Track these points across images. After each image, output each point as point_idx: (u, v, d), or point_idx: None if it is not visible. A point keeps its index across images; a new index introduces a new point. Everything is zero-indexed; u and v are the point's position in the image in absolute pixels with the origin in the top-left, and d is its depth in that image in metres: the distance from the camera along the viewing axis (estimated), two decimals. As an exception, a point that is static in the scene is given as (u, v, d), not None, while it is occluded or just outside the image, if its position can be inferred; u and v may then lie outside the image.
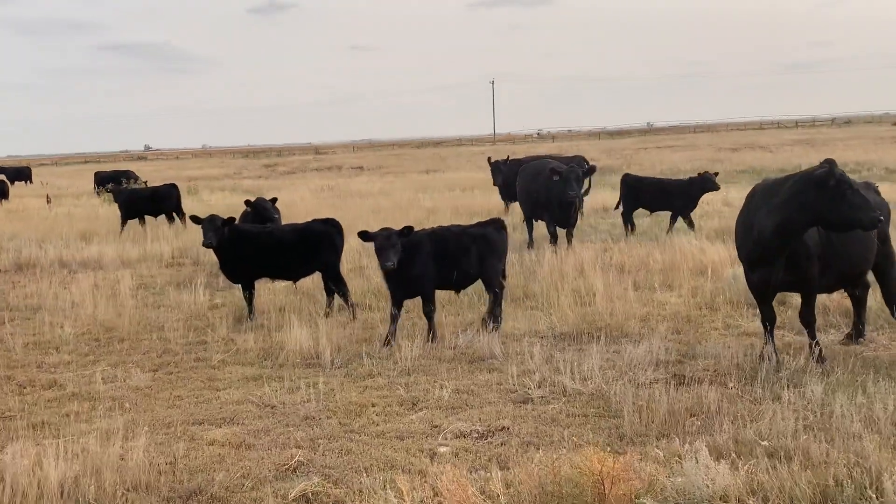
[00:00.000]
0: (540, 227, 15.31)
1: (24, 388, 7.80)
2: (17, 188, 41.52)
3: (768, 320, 7.57)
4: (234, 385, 7.64)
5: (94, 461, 5.45)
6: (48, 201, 29.85)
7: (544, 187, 13.94)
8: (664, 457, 5.37)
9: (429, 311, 8.78)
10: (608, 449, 5.37)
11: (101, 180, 35.68)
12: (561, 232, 14.24)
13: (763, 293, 7.55)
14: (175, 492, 5.24)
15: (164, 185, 21.23)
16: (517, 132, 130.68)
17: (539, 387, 7.04)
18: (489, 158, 20.36)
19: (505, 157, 20.30)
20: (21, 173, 49.92)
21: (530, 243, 14.87)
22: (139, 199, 20.13)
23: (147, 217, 19.77)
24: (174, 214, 19.68)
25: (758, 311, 7.94)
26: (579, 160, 20.22)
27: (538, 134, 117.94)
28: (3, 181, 34.69)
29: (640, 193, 16.00)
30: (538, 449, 5.63)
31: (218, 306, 11.11)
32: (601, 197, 21.18)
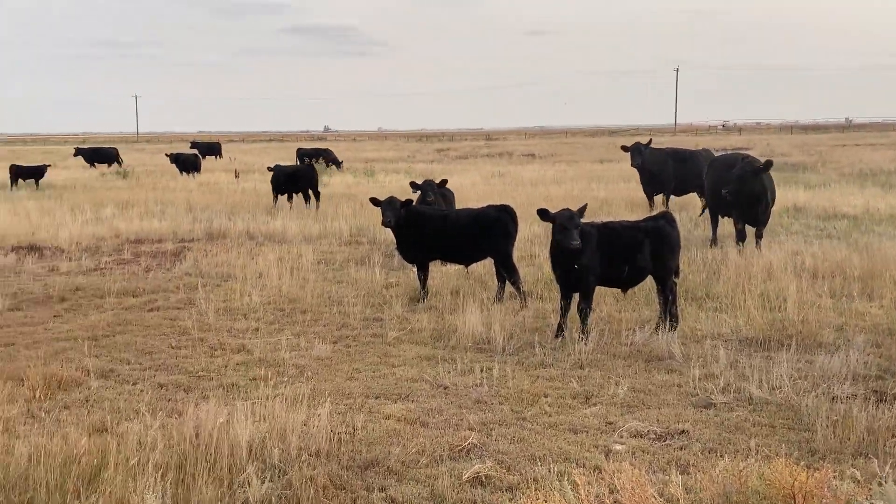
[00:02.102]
0: (725, 224, 14.71)
1: (216, 350, 8.42)
2: (208, 162, 44.65)
3: None
4: (409, 363, 7.88)
5: (279, 425, 5.79)
6: (236, 176, 32.00)
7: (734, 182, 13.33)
8: (862, 477, 5.03)
9: (584, 308, 8.50)
10: (800, 463, 5.09)
11: (303, 156, 38.17)
12: (749, 231, 13.61)
13: None
14: (354, 461, 5.49)
15: (304, 165, 22.67)
16: (700, 123, 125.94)
17: (723, 392, 6.79)
18: (623, 146, 19.67)
19: (647, 140, 19.56)
20: (212, 148, 53.65)
21: (714, 241, 14.32)
22: (282, 175, 21.41)
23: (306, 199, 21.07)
24: (311, 194, 20.92)
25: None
26: (706, 152, 19.33)
27: (723, 126, 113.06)
28: (195, 155, 37.49)
29: None
30: (721, 456, 5.44)
31: (393, 285, 11.48)
32: (792, 195, 20.04)
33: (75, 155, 44.91)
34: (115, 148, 47.78)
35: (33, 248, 14.99)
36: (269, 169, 22.50)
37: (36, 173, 29.55)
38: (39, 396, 6.84)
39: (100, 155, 44.83)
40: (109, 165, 42.67)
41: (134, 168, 37.09)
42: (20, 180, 29.22)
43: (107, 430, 5.99)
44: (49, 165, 31.56)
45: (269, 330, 9.21)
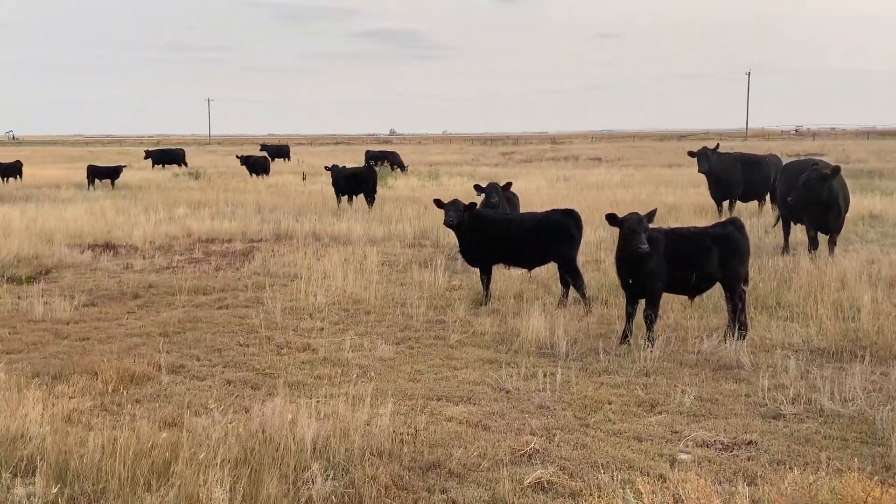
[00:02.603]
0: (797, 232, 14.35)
1: (282, 348, 8.56)
2: (276, 164, 45.48)
3: None
4: (471, 366, 7.89)
5: (343, 423, 5.86)
6: (303, 178, 32.55)
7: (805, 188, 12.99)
8: (940, 497, 4.84)
9: (650, 315, 8.35)
10: (874, 478, 4.93)
11: (370, 159, 38.80)
12: (823, 239, 13.24)
13: None
14: (416, 462, 5.52)
15: (363, 167, 23.02)
16: (772, 127, 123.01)
17: (792, 403, 6.62)
18: (689, 151, 19.28)
19: (714, 145, 19.14)
20: (281, 151, 54.68)
21: (785, 248, 13.96)
22: (341, 177, 21.71)
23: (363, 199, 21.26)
24: (371, 196, 21.18)
25: None
26: (774, 158, 18.84)
27: (796, 131, 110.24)
28: (265, 157, 38.23)
29: None
30: (790, 469, 5.30)
31: (456, 288, 11.51)
32: (868, 203, 19.41)
33: (146, 157, 46.29)
34: (181, 149, 49.07)
35: (109, 246, 15.47)
36: (327, 168, 22.82)
37: (112, 174, 30.52)
38: (112, 390, 7.05)
39: (168, 156, 46.09)
40: (180, 166, 43.82)
41: (206, 169, 38.03)
42: (97, 180, 30.22)
43: (177, 424, 6.15)
44: (124, 166, 32.57)
45: (333, 330, 9.33)
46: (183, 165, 44.19)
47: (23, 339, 8.96)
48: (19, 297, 11.04)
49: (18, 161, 33.75)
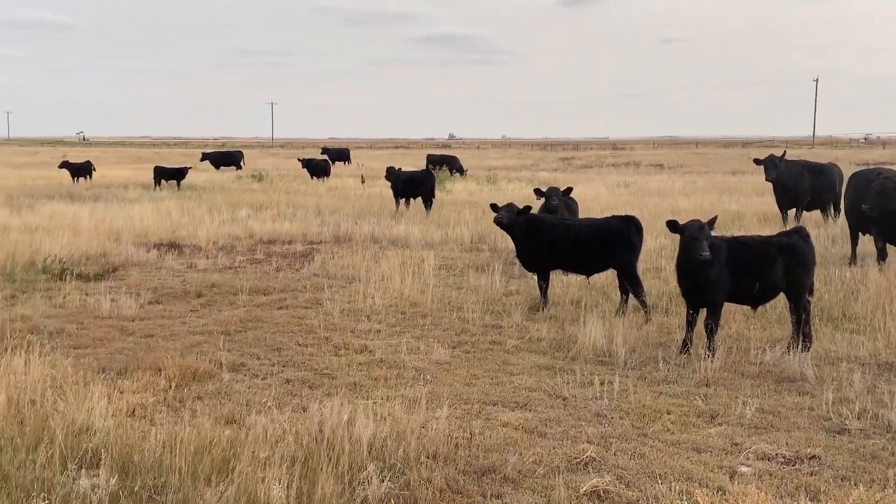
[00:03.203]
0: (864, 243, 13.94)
1: (340, 350, 8.65)
2: (336, 168, 46.03)
3: None
4: (527, 371, 7.86)
5: (399, 426, 5.90)
6: (362, 181, 32.84)
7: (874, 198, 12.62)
8: None
9: (710, 325, 8.19)
10: (945, 500, 4.76)
11: (431, 162, 39.06)
12: (892, 250, 12.85)
13: None
14: (471, 466, 5.51)
15: (422, 170, 23.13)
16: (840, 136, 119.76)
17: (858, 418, 6.42)
18: (755, 159, 18.85)
19: (781, 153, 18.65)
20: (341, 154, 55.29)
21: (853, 259, 13.57)
22: (399, 181, 21.86)
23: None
24: (429, 199, 21.16)
25: None
26: (836, 167, 18.33)
27: (865, 139, 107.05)
28: (326, 161, 38.68)
29: None
30: (856, 485, 5.15)
31: (513, 293, 11.48)
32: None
33: (202, 159, 45.83)
34: (239, 151, 49.82)
35: (173, 246, 15.84)
36: (388, 171, 22.98)
37: (178, 175, 31.21)
38: (175, 387, 7.22)
39: (226, 158, 46.71)
40: (237, 168, 44.54)
41: (268, 172, 38.61)
42: (163, 181, 30.95)
43: (236, 421, 6.27)
44: (190, 167, 33.26)
45: (390, 332, 9.39)
46: (240, 168, 44.82)
47: (90, 335, 9.23)
48: (87, 294, 11.36)
49: (89, 161, 34.78)
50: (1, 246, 14.03)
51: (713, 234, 8.19)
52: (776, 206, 18.48)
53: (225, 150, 56.85)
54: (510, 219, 10.57)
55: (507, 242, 14.68)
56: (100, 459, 5.26)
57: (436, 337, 9.12)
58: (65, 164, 34.14)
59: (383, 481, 5.11)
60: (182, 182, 30.92)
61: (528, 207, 10.79)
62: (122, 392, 7.02)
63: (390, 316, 10.16)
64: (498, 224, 10.73)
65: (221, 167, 45.36)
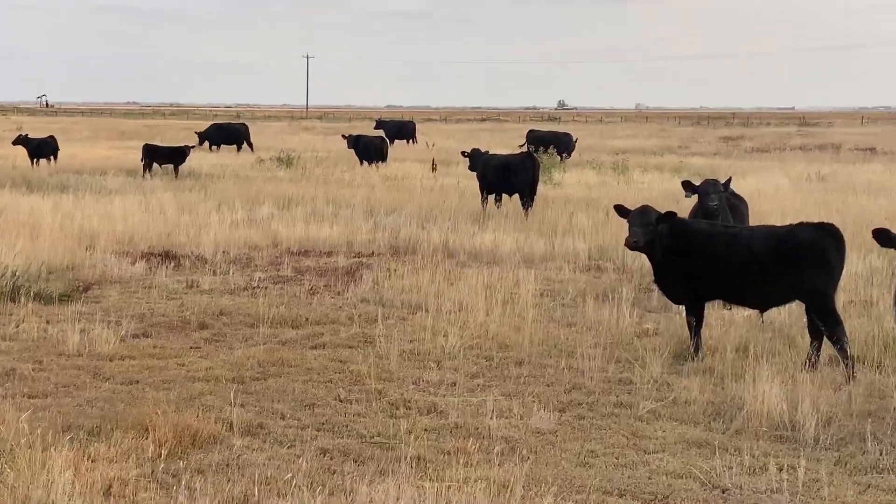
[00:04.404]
0: None
1: (398, 409, 8.73)
2: (396, 148, 46.51)
3: None
4: (670, 449, 7.80)
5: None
6: (433, 169, 33.02)
7: None
8: None
9: None
10: None
11: (533, 141, 38.75)
12: None
13: None
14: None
15: (519, 154, 22.84)
16: None
17: None
18: None
19: None
20: (403, 129, 55.93)
21: None
22: (488, 168, 21.92)
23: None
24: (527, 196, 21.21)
25: None
26: None
27: None
28: (381, 138, 39.23)
29: None
30: None
31: (649, 333, 11.41)
32: None
33: (200, 143, 45.71)
34: (244, 124, 50.54)
35: (168, 256, 16.23)
36: (465, 155, 23.02)
37: (175, 156, 31.79)
38: (167, 454, 7.34)
39: (224, 133, 47.20)
40: (239, 149, 45.13)
41: (300, 153, 39.07)
42: (155, 165, 31.56)
43: (251, 506, 6.35)
44: (192, 146, 33.94)
45: (469, 385, 9.42)
46: (241, 147, 45.25)
47: (51, 379, 9.48)
48: (48, 322, 11.69)
49: (52, 137, 35.70)
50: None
51: None
52: None
53: (224, 122, 56.83)
54: (650, 237, 10.43)
55: (641, 259, 14.56)
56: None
57: (536, 394, 9.10)
58: (20, 140, 35.16)
59: None
60: (181, 167, 31.53)
61: (672, 213, 10.66)
62: (93, 460, 7.18)
63: (470, 362, 10.19)
64: (633, 249, 10.62)
65: (219, 146, 46.00)
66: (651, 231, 10.46)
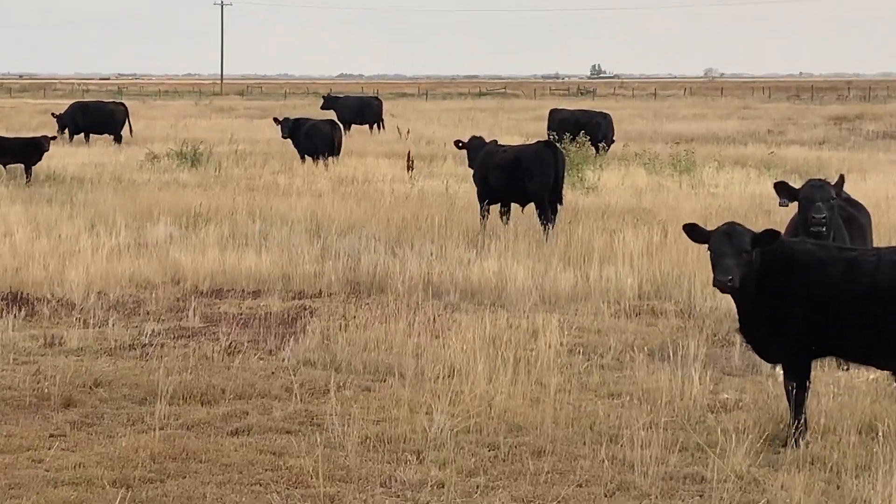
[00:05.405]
0: None
1: (361, 523, 8.69)
2: (355, 136, 46.55)
3: None
4: (763, 582, 7.79)
5: None
6: (409, 167, 33.00)
7: None
8: None
9: None
10: None
11: (556, 126, 38.60)
12: None
13: None
14: None
15: (535, 145, 22.61)
16: None
17: None
18: None
19: None
20: (364, 110, 55.82)
21: None
22: (490, 165, 22.08)
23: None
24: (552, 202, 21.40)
25: None
26: None
27: None
28: (331, 124, 39.08)
29: None
30: None
31: (729, 407, 11.45)
32: None
33: (60, 131, 46.08)
34: (122, 104, 50.53)
35: (17, 300, 16.17)
36: (459, 146, 23.03)
37: (26, 152, 31.59)
38: None
39: (91, 118, 47.24)
40: (117, 140, 45.15)
41: (212, 146, 39.03)
42: (-1, 165, 31.58)
43: None
44: (52, 138, 33.78)
45: (465, 487, 9.38)
46: (120, 136, 45.34)
47: None
48: None
49: None
50: None
51: None
52: None
53: (91, 101, 56.89)
54: (745, 268, 10.35)
55: (715, 298, 14.57)
56: None
57: (563, 498, 9.08)
58: None
59: None
60: (35, 167, 31.40)
61: (775, 233, 10.58)
62: None
63: (466, 453, 10.16)
64: (729, 290, 10.50)
65: (88, 136, 46.07)
66: (747, 261, 10.41)
